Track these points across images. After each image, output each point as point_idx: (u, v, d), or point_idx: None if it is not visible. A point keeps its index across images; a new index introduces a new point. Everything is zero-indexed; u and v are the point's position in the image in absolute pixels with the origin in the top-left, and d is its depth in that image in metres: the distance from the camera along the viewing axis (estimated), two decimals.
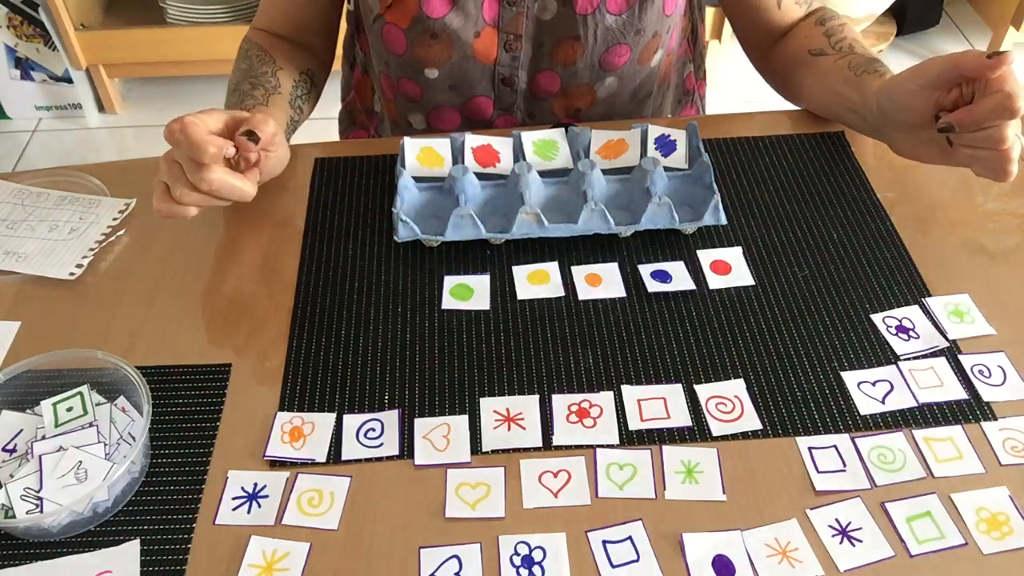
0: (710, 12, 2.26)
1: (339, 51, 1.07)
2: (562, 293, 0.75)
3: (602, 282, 0.75)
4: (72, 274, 0.77)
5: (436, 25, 0.84)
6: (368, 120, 1.08)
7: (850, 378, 0.68)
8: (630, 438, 0.64)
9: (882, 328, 0.71)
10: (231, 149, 0.68)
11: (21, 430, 0.64)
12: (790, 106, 0.94)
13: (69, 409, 0.64)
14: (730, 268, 0.76)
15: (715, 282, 0.75)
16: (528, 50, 0.88)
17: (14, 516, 0.58)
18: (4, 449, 0.63)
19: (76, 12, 2.15)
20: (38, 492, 0.59)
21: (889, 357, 0.69)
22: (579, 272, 0.76)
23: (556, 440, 0.64)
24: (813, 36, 0.88)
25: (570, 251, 0.78)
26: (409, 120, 0.96)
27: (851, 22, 0.88)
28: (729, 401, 0.67)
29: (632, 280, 0.76)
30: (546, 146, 0.84)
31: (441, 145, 0.84)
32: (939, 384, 0.67)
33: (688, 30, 1.02)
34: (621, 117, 0.96)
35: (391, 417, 0.66)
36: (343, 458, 0.64)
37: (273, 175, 0.78)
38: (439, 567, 0.57)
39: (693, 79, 1.08)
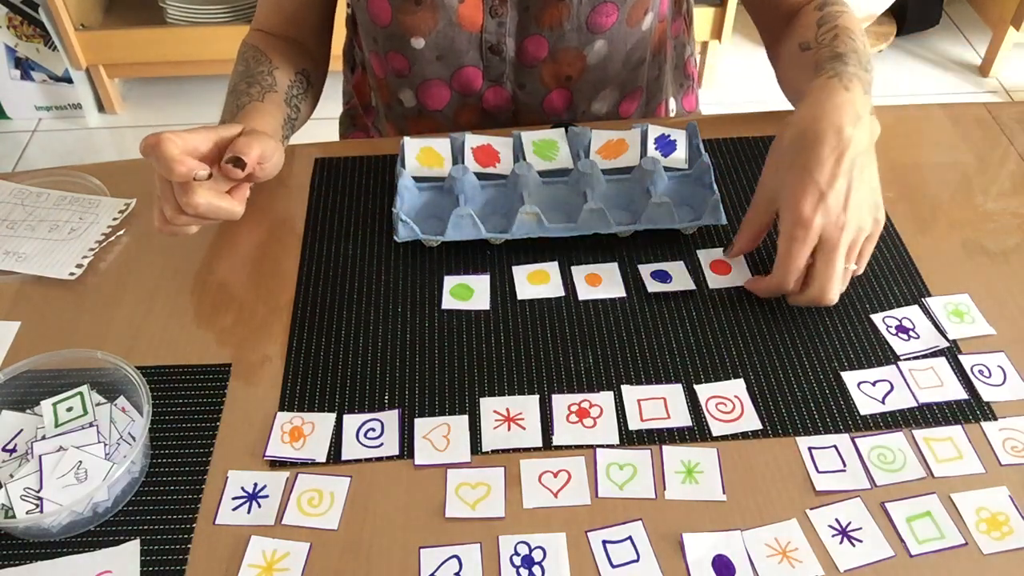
0: (710, 12, 2.26)
1: (340, 54, 1.08)
2: (562, 293, 0.75)
3: (602, 282, 0.76)
4: (72, 274, 0.77)
5: None
6: (367, 117, 1.08)
7: (850, 378, 0.68)
8: (630, 438, 0.64)
9: (882, 328, 0.71)
10: (203, 173, 0.67)
11: (21, 430, 0.64)
12: (790, 106, 0.94)
13: (69, 409, 0.64)
14: (730, 268, 0.76)
15: (715, 282, 0.75)
16: (514, 15, 0.87)
17: (14, 516, 0.58)
18: (4, 449, 0.63)
19: (76, 12, 2.15)
20: (38, 492, 0.59)
21: (889, 357, 0.69)
22: (579, 272, 0.76)
23: (556, 440, 0.64)
24: (807, 27, 0.83)
25: (570, 251, 0.78)
26: (400, 98, 0.96)
27: (850, 10, 0.82)
28: (729, 401, 0.67)
29: (632, 280, 0.76)
30: (546, 146, 0.84)
31: (441, 145, 0.84)
32: (939, 384, 0.67)
33: (684, 6, 1.01)
34: (616, 85, 0.94)
35: (391, 417, 0.66)
36: (343, 458, 0.64)
37: (270, 177, 0.78)
38: (439, 567, 0.57)
39: (693, 64, 1.08)
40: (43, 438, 0.62)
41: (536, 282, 0.76)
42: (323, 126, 1.16)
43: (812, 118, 0.68)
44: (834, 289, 0.68)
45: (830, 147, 0.66)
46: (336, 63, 1.05)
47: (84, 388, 0.65)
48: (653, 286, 0.75)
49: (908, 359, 0.69)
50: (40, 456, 0.60)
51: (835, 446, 0.64)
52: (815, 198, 0.66)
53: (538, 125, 0.95)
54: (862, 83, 0.72)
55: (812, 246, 0.67)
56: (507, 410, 0.66)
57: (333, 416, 0.66)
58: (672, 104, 1.06)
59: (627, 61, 0.92)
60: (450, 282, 0.76)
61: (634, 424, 0.65)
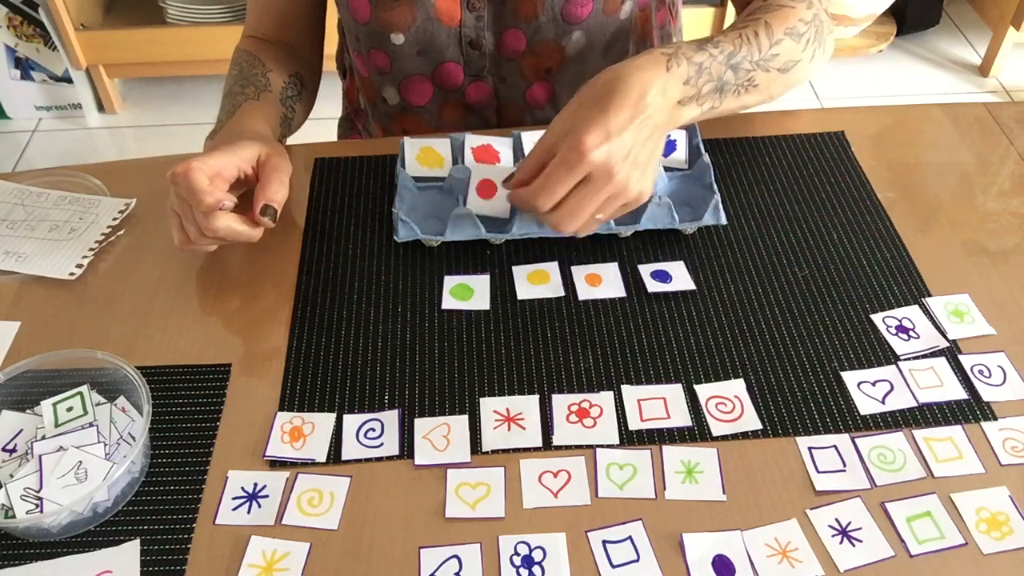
0: (710, 12, 2.26)
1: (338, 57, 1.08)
2: (562, 293, 0.75)
3: (602, 282, 0.76)
4: (72, 274, 0.77)
5: None
6: (358, 120, 1.09)
7: (850, 378, 0.68)
8: (630, 438, 0.64)
9: (882, 328, 0.71)
10: (229, 203, 0.70)
11: (21, 430, 0.64)
12: (790, 106, 0.94)
13: (69, 409, 0.64)
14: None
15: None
16: (491, 8, 0.87)
17: (14, 516, 0.58)
18: (4, 449, 0.63)
19: (76, 12, 2.15)
20: (38, 492, 0.59)
21: (889, 357, 0.69)
22: (579, 272, 0.76)
23: (556, 440, 0.64)
24: (742, 14, 0.79)
25: (570, 251, 0.78)
26: (383, 96, 0.96)
27: (801, 9, 0.77)
28: (729, 401, 0.67)
29: (632, 280, 0.76)
30: None
31: (441, 145, 0.84)
32: (939, 384, 0.67)
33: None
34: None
35: (391, 417, 0.66)
36: (343, 458, 0.64)
37: None
38: (439, 567, 0.57)
39: None
40: (43, 438, 0.62)
41: (536, 282, 0.76)
42: (322, 127, 1.16)
43: (624, 74, 0.67)
44: (573, 225, 0.67)
45: (631, 102, 0.66)
46: (332, 65, 1.05)
47: (84, 388, 0.65)
48: (653, 286, 0.74)
49: (908, 359, 0.69)
50: (40, 456, 0.60)
51: (835, 446, 0.64)
52: (601, 136, 0.65)
53: (521, 118, 0.95)
54: (696, 74, 0.70)
55: (578, 178, 0.66)
56: (507, 410, 0.66)
57: (333, 416, 0.66)
58: None
59: (608, 52, 0.92)
60: (450, 282, 0.76)
61: (634, 424, 0.65)
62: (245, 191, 0.76)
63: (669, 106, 0.69)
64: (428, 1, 0.85)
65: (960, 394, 0.67)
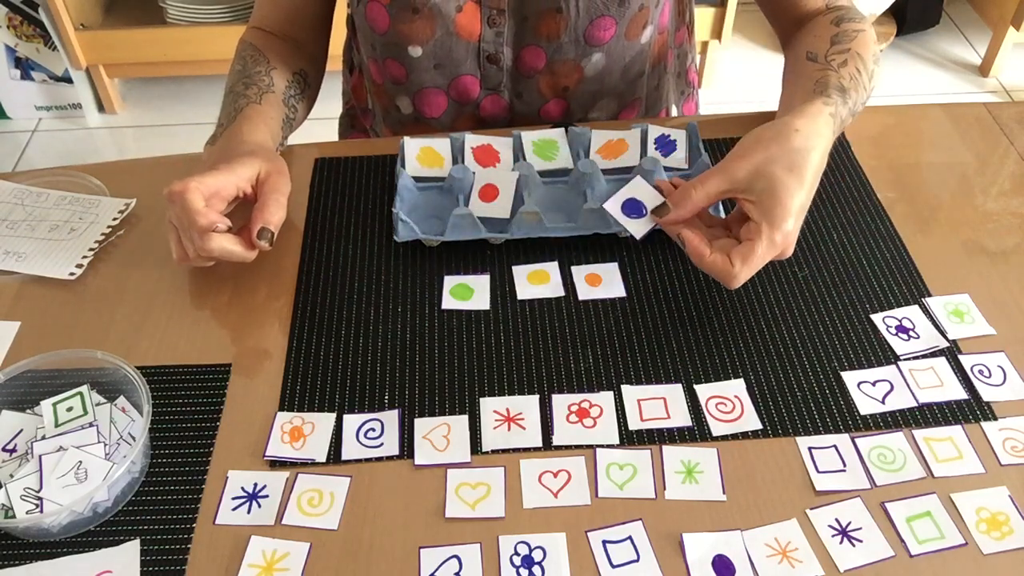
0: (710, 12, 2.26)
1: (340, 54, 1.08)
2: (562, 293, 0.75)
3: (602, 282, 0.76)
4: (72, 274, 0.77)
5: None
6: (364, 118, 1.08)
7: (850, 378, 0.68)
8: (630, 438, 0.64)
9: (882, 328, 0.71)
10: (223, 226, 0.70)
11: (21, 430, 0.64)
12: None
13: (69, 409, 0.64)
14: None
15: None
16: (512, 25, 0.87)
17: (14, 516, 0.58)
18: (4, 449, 0.63)
19: (76, 12, 2.15)
20: (38, 492, 0.59)
21: (889, 357, 0.69)
22: (579, 272, 0.76)
23: (556, 440, 0.64)
24: (820, 38, 0.81)
25: (570, 251, 0.78)
26: (397, 104, 0.96)
27: (870, 29, 0.82)
28: (729, 401, 0.67)
29: (632, 280, 0.76)
30: (546, 146, 0.84)
31: (441, 145, 0.84)
32: (939, 384, 0.67)
33: (687, 16, 1.01)
34: (613, 97, 0.94)
35: (391, 417, 0.66)
36: (343, 458, 0.64)
37: None
38: (439, 567, 0.58)
39: (694, 70, 1.08)
40: (43, 438, 0.62)
41: (536, 282, 0.76)
42: (323, 126, 1.16)
43: (813, 144, 0.69)
44: (739, 284, 0.68)
45: (815, 172, 0.69)
46: (335, 63, 1.05)
47: (84, 388, 0.65)
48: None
49: (908, 359, 0.69)
50: (40, 456, 0.60)
51: (835, 446, 0.64)
52: (800, 216, 0.67)
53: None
54: (839, 127, 0.74)
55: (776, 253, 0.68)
56: (507, 410, 0.66)
57: (333, 416, 0.66)
58: (673, 112, 1.06)
59: (625, 73, 0.92)
60: (450, 282, 0.76)
61: (634, 424, 0.65)
62: (242, 203, 0.75)
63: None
64: (448, 15, 0.85)
65: (960, 394, 0.67)
